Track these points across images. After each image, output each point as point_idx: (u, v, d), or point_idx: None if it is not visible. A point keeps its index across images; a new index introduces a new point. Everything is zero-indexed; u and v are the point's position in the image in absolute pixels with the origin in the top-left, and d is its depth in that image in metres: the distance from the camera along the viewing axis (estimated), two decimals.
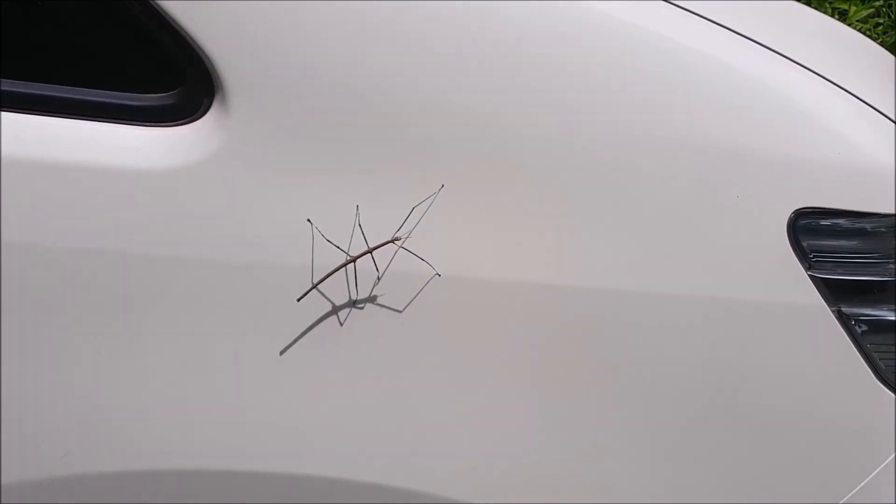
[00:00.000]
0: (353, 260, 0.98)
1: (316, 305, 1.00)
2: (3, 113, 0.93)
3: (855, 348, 1.07)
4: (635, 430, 1.08)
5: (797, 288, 1.05)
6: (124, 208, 0.95)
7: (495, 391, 1.04)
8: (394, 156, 0.98)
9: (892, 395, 1.08)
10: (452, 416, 1.05)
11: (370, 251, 0.98)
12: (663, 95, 1.01)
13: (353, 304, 1.01)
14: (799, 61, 1.09)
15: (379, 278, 1.00)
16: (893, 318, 1.08)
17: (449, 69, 0.96)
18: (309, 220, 0.97)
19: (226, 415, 1.01)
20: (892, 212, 1.05)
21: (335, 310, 1.01)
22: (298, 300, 0.98)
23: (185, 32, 0.91)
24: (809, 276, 1.04)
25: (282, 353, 1.00)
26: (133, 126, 0.96)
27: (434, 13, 0.96)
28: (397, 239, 0.97)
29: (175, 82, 0.97)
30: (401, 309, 1.01)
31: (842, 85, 1.09)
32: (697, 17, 1.07)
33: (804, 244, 1.04)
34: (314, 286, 0.98)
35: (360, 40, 0.94)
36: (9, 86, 0.94)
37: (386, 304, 1.01)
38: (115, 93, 0.96)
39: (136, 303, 0.97)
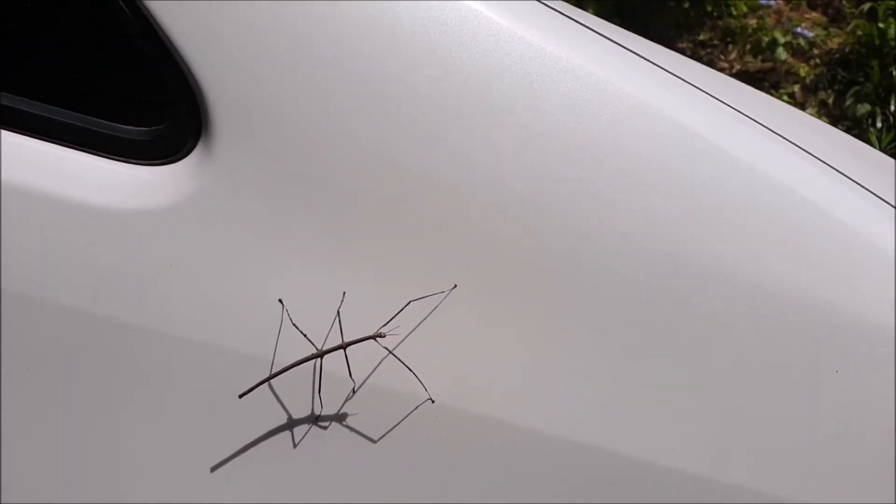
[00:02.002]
0: (321, 355, 0.76)
1: (267, 413, 0.77)
2: None
3: None
4: None
5: None
6: (66, 249, 0.78)
7: None
8: (398, 239, 0.78)
9: None
10: None
11: (344, 346, 0.75)
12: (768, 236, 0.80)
13: (314, 419, 0.78)
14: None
15: (354, 391, 0.77)
16: None
17: (487, 151, 0.78)
18: (280, 301, 0.77)
19: None
20: None
21: (290, 424, 0.77)
22: (241, 396, 0.75)
23: (183, 59, 0.78)
24: None
25: (212, 469, 0.77)
26: (103, 158, 0.80)
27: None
28: (381, 336, 0.75)
29: (157, 118, 0.82)
30: (375, 439, 0.77)
31: None
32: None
33: None
34: (265, 380, 0.76)
35: (376, 108, 0.78)
36: None
37: (357, 428, 0.77)
38: (89, 118, 0.81)
39: (50, 357, 0.77)
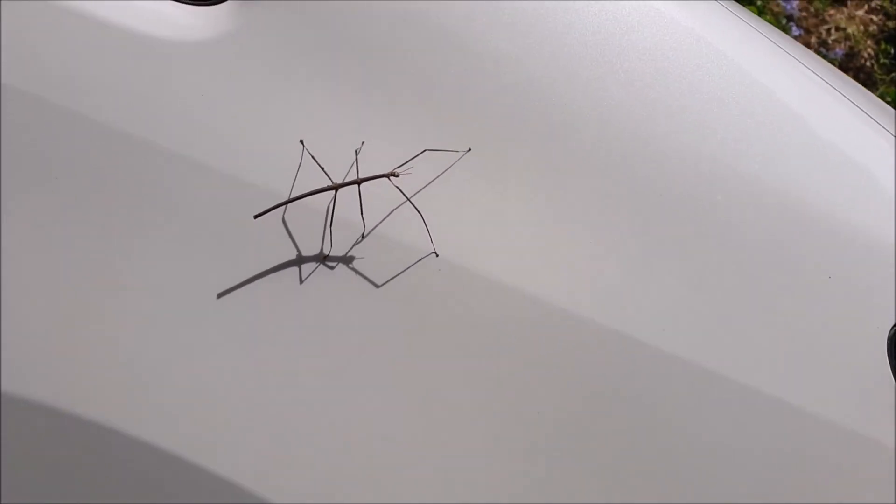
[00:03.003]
0: (337, 187, 0.78)
1: (278, 247, 0.79)
2: None
3: None
4: None
5: (885, 426, 0.78)
6: (110, 70, 0.81)
7: (457, 409, 0.77)
8: (421, 95, 0.81)
9: None
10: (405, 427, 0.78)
11: (359, 181, 0.78)
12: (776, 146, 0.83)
13: (322, 258, 0.80)
14: None
15: (363, 236, 0.80)
16: None
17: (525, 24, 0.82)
18: (301, 142, 0.80)
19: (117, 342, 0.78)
20: None
21: (300, 260, 0.80)
22: (256, 217, 0.78)
23: None
24: None
25: (219, 296, 0.79)
26: None
27: None
28: (394, 175, 0.78)
29: None
30: (378, 284, 0.79)
31: None
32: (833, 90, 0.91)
33: None
34: (281, 203, 0.78)
35: None
36: None
37: (361, 272, 0.79)
38: None
39: (78, 168, 0.80)
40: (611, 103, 0.81)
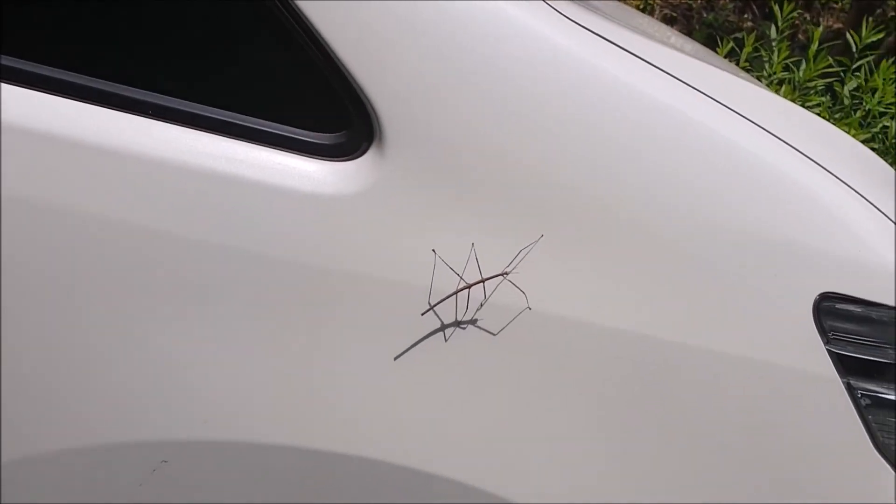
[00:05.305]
0: (469, 286, 1.20)
1: (428, 321, 1.22)
2: (203, 133, 1.16)
3: (859, 419, 1.27)
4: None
5: (816, 359, 1.27)
6: (291, 222, 1.17)
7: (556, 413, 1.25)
8: (513, 211, 1.21)
9: (892, 471, 1.28)
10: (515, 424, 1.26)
11: (483, 281, 1.20)
12: (722, 185, 1.25)
13: (458, 323, 1.22)
14: (824, 165, 1.31)
15: (481, 304, 1.22)
16: (893, 398, 1.29)
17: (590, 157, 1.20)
18: (434, 251, 1.19)
19: (333, 399, 1.23)
20: (893, 304, 1.28)
21: (442, 326, 1.22)
22: (423, 314, 1.20)
23: (359, 86, 1.15)
24: (827, 350, 1.26)
25: (396, 358, 1.21)
26: (304, 157, 1.19)
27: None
28: (506, 273, 1.19)
29: (342, 125, 1.20)
30: (495, 332, 1.22)
31: (859, 191, 1.30)
32: (746, 119, 1.31)
33: (825, 323, 1.27)
34: (437, 304, 1.20)
35: (517, 123, 1.18)
36: (211, 113, 1.17)
37: (484, 328, 1.23)
38: (293, 128, 1.19)
39: (284, 302, 1.19)
40: None
